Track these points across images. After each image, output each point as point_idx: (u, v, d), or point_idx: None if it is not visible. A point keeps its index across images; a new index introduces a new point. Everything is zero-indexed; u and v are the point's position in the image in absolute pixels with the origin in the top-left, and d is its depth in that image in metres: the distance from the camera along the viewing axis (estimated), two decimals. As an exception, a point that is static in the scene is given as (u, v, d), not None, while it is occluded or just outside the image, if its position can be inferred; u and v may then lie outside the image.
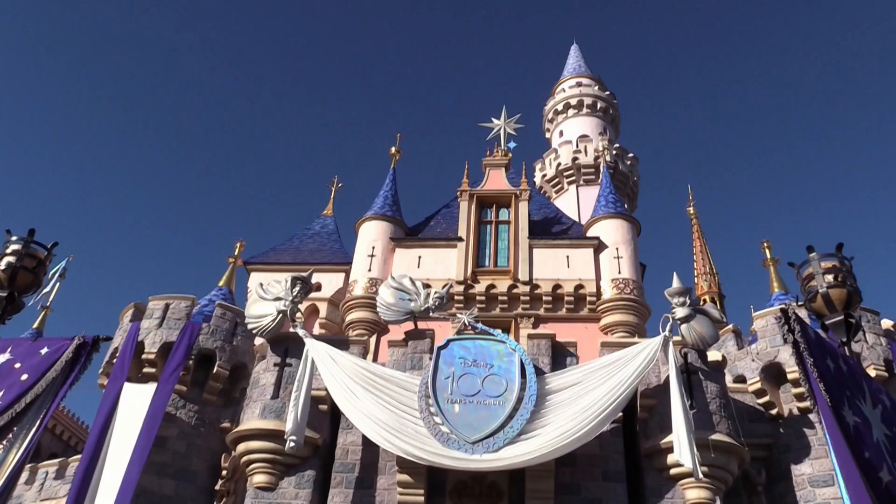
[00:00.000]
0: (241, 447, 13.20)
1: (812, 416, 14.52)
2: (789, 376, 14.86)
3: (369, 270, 20.36)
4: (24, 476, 17.00)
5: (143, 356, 15.42)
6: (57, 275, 17.45)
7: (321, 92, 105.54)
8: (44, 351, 8.75)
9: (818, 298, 7.75)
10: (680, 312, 12.84)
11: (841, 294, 7.60)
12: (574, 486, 12.19)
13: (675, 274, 13.40)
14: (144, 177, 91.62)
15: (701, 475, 11.37)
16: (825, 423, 6.93)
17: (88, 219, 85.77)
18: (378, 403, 12.12)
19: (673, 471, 12.28)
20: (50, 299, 21.58)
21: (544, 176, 33.92)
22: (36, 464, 17.45)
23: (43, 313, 24.09)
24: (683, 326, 12.80)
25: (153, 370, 15.24)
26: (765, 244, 20.19)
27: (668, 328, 12.75)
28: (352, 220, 24.22)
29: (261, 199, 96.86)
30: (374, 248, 20.92)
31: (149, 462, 12.86)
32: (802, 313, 10.87)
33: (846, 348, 7.61)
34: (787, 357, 14.97)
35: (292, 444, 12.13)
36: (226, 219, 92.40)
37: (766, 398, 15.22)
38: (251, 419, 13.29)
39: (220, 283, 19.98)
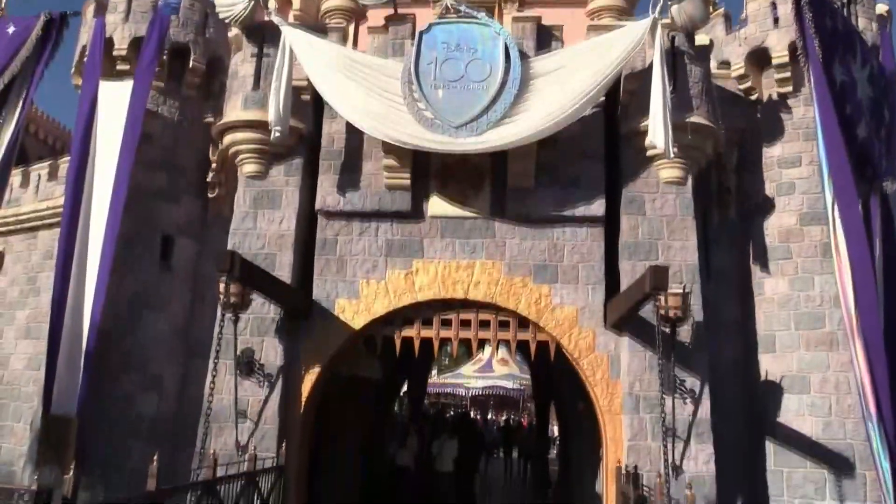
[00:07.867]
0: (228, 139, 13.32)
1: (790, 101, 14.66)
2: (774, 61, 14.67)
3: (346, -47, 18.90)
4: (18, 179, 17.27)
5: (115, 52, 14.80)
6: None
7: None
8: (11, 30, 8.33)
9: (824, -38, 7.38)
10: (671, -9, 12.29)
11: (847, -45, 7.25)
12: (553, 166, 12.61)
13: (670, -50, 12.59)
14: None
15: (672, 154, 11.71)
16: (813, 75, 7.01)
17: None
18: (361, 91, 11.98)
19: (650, 152, 12.60)
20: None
21: None
22: (27, 167, 17.61)
23: (-5, 11, 22.76)
24: (674, 7, 12.30)
25: (126, 67, 14.74)
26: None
27: (658, 9, 12.27)
28: None
29: None
30: (350, -74, 19.21)
31: (138, 158, 12.97)
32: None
33: (846, 9, 7.43)
34: (774, 42, 14.66)
35: (277, 134, 12.18)
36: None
37: (748, 83, 15.23)
38: (234, 110, 13.22)
39: (184, -25, 18.61)
